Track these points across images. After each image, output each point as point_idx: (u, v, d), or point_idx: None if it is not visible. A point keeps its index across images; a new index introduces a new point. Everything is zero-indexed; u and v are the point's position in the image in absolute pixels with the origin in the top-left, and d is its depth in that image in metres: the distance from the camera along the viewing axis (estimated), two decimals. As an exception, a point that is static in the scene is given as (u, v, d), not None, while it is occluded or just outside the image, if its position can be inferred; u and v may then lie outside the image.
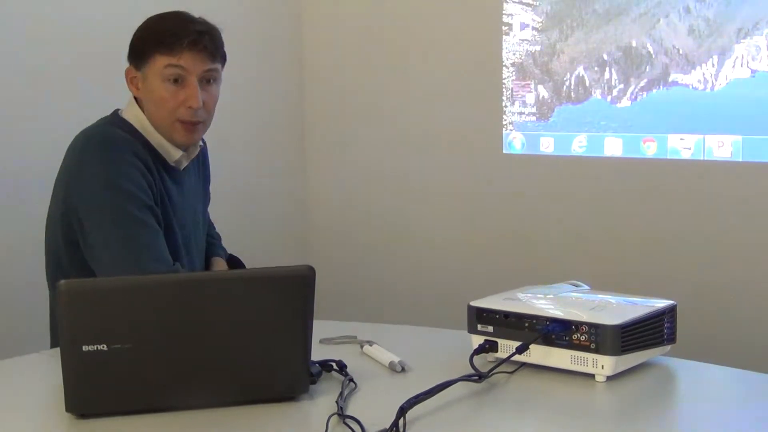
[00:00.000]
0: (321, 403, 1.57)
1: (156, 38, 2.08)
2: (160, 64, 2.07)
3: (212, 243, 2.40)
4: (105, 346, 1.47)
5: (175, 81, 2.07)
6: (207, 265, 2.32)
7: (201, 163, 2.33)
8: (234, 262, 2.41)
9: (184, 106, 2.08)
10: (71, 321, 1.48)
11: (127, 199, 1.99)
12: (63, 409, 1.50)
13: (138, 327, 1.50)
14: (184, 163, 2.19)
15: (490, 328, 1.75)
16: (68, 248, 2.06)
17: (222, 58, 2.15)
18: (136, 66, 2.12)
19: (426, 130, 3.73)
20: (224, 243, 2.48)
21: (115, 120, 2.13)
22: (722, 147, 3.12)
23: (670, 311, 1.76)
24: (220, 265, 2.34)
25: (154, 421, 1.51)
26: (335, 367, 1.70)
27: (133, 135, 2.08)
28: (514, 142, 3.53)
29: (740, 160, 3.09)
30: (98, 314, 1.48)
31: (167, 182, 2.13)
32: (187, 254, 2.18)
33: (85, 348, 1.47)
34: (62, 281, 1.48)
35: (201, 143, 2.26)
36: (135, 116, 2.12)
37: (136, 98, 2.14)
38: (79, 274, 2.04)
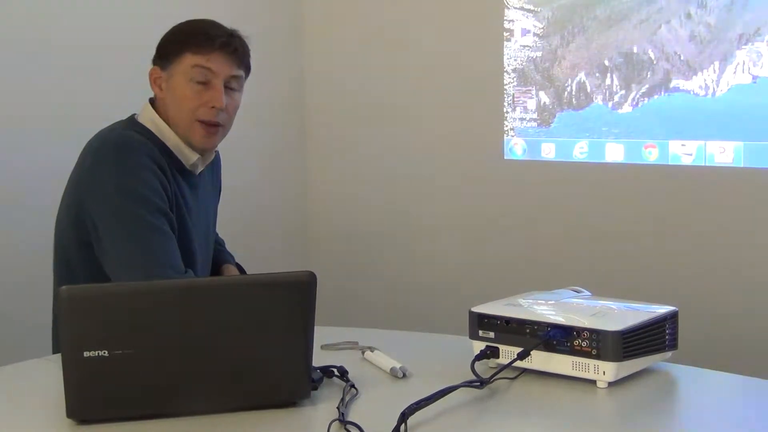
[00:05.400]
0: (322, 409, 1.57)
1: (187, 38, 2.10)
2: (188, 63, 2.08)
3: (220, 249, 2.40)
4: (106, 351, 1.47)
5: (200, 83, 2.08)
6: (217, 272, 2.32)
7: (214, 169, 2.33)
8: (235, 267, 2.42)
9: (207, 106, 2.09)
10: (72, 326, 1.48)
11: (142, 203, 1.99)
12: (64, 414, 1.50)
13: (139, 333, 1.50)
14: (200, 167, 2.19)
15: (492, 334, 1.75)
16: (80, 249, 2.06)
17: (247, 67, 2.17)
18: (162, 66, 2.13)
19: (427, 136, 3.73)
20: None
21: (131, 123, 2.14)
22: (724, 153, 3.12)
23: (672, 317, 1.76)
24: (231, 271, 2.35)
25: (155, 427, 1.51)
26: (336, 372, 1.70)
27: (149, 138, 2.08)
28: (516, 148, 3.54)
29: (741, 165, 3.09)
30: (100, 320, 1.48)
31: (183, 186, 2.13)
32: (200, 258, 2.19)
33: (86, 354, 1.47)
34: (64, 287, 1.48)
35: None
36: (151, 120, 2.12)
37: (152, 103, 2.15)
38: (87, 274, 2.04)
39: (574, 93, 3.39)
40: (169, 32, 2.16)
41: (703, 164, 3.17)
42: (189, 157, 2.14)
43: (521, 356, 1.69)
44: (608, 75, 3.32)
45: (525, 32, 3.47)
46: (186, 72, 2.09)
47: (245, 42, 2.16)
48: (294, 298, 1.56)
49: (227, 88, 2.11)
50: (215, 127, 2.12)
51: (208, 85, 2.09)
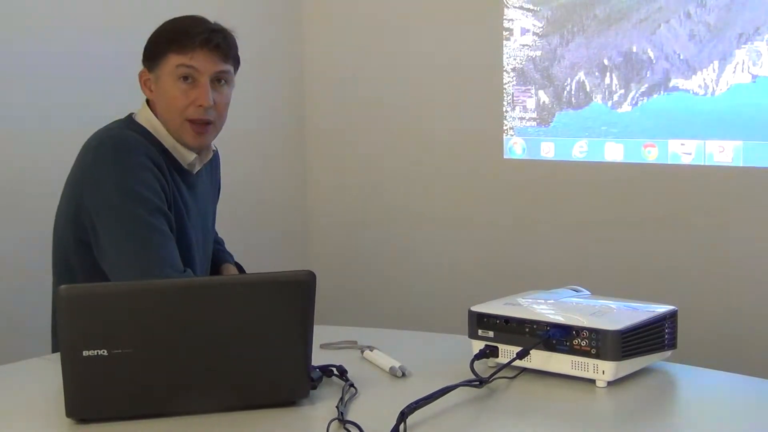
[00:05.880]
0: (321, 409, 1.57)
1: (169, 38, 2.10)
2: (172, 63, 2.08)
3: (219, 249, 2.40)
4: (105, 351, 1.47)
5: (186, 79, 2.07)
6: (216, 272, 2.32)
7: (213, 169, 2.33)
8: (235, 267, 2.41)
9: (194, 105, 2.08)
10: (71, 326, 1.48)
11: (140, 203, 1.99)
12: (63, 414, 1.50)
13: (138, 332, 1.50)
14: (198, 167, 2.19)
15: (491, 334, 1.75)
16: (78, 248, 2.05)
17: (234, 60, 2.16)
18: (149, 68, 2.13)
19: (427, 135, 3.73)
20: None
21: (129, 123, 2.13)
22: (723, 152, 3.12)
23: (671, 316, 1.76)
24: (230, 271, 2.34)
25: (154, 427, 1.51)
26: (336, 372, 1.70)
27: (146, 138, 2.08)
28: (515, 147, 3.53)
29: (741, 165, 3.09)
30: (98, 319, 1.48)
31: (181, 185, 2.13)
32: (198, 258, 2.18)
33: (85, 353, 1.47)
34: (63, 286, 1.48)
35: (213, 148, 2.26)
36: (147, 119, 2.12)
37: (148, 102, 2.15)
38: (87, 273, 2.04)
39: (573, 92, 3.39)
40: (153, 33, 2.15)
41: (702, 163, 3.16)
42: (186, 156, 2.14)
43: (520, 355, 1.69)
44: (607, 74, 3.32)
45: (524, 31, 3.47)
46: (171, 72, 2.08)
47: (229, 35, 2.14)
48: (293, 298, 1.56)
49: (215, 83, 2.11)
50: (205, 125, 2.12)
51: (194, 83, 2.08)
